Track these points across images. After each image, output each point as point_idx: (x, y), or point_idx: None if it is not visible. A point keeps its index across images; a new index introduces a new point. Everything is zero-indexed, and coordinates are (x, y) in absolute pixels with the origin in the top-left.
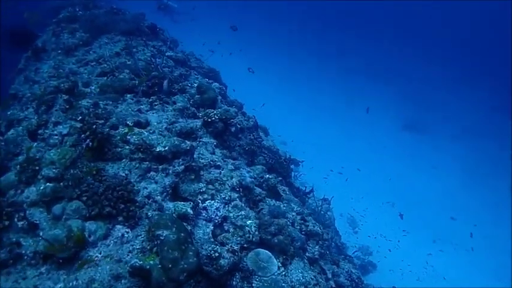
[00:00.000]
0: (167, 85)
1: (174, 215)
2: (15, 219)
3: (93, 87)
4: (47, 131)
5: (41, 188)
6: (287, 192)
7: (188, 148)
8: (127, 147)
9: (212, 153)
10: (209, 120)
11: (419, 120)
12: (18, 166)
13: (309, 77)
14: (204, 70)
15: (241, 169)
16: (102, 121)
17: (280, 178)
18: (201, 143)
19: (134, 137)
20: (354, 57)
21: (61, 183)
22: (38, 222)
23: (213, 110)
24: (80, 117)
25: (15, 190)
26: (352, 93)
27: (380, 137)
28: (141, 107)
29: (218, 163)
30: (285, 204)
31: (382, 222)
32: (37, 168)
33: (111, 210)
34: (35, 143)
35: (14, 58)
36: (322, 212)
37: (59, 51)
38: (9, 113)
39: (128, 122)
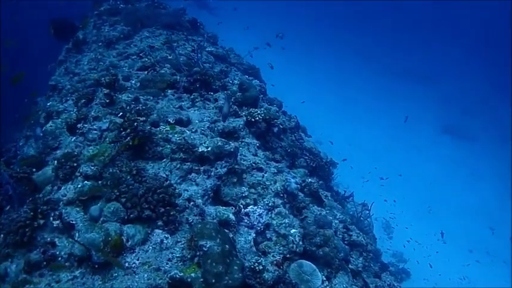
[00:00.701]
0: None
1: (215, 220)
2: (51, 218)
3: (133, 82)
4: (86, 125)
5: (79, 186)
6: (329, 198)
7: (232, 150)
8: (168, 146)
9: (254, 155)
10: (252, 120)
11: (460, 124)
12: (55, 161)
13: (350, 75)
14: (244, 67)
15: (284, 172)
16: (143, 118)
17: (321, 182)
18: (243, 143)
19: (176, 135)
20: (394, 57)
21: (99, 182)
22: (74, 222)
23: (256, 110)
24: (121, 113)
25: (52, 186)
26: (392, 94)
27: (418, 140)
28: (182, 103)
29: (261, 165)
30: (327, 211)
31: (417, 228)
32: (75, 164)
33: (150, 214)
34: (74, 137)
35: (54, 49)
36: (361, 218)
37: (100, 44)
38: (48, 104)
39: (169, 119)
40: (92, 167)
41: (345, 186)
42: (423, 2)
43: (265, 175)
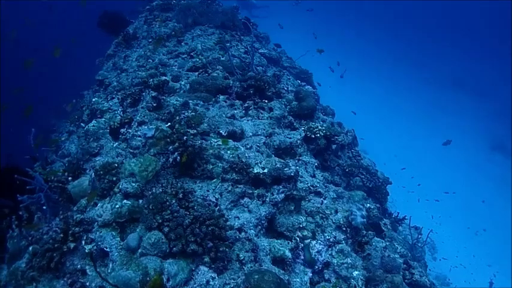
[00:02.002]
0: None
1: (269, 257)
2: (83, 242)
3: (182, 83)
4: (130, 130)
5: (117, 206)
6: (388, 226)
7: (292, 174)
8: (220, 164)
9: (312, 176)
10: (312, 136)
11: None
12: (94, 172)
13: (396, 84)
14: (296, 71)
15: (344, 198)
16: (194, 131)
17: (378, 205)
18: (300, 161)
19: (229, 152)
20: (441, 66)
21: (139, 201)
22: (108, 250)
23: (317, 125)
24: (169, 124)
25: (88, 201)
26: (438, 105)
27: (465, 156)
28: (235, 111)
29: (319, 189)
30: (387, 243)
31: (463, 250)
32: (114, 179)
33: (196, 248)
34: (116, 143)
35: (103, 43)
36: (416, 245)
37: (150, 40)
38: (93, 100)
39: (221, 131)
40: (133, 184)
41: (390, 200)
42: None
43: (325, 202)
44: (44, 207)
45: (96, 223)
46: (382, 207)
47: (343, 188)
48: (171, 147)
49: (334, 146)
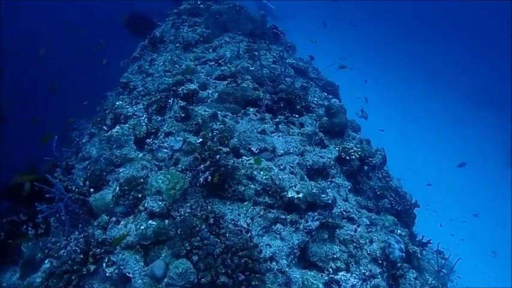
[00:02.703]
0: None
1: None
2: (104, 264)
3: (210, 91)
4: (156, 141)
5: (142, 227)
6: (418, 255)
7: (329, 202)
8: (252, 186)
9: (345, 200)
10: (347, 158)
11: None
12: (117, 188)
13: (416, 96)
14: (323, 82)
15: (377, 226)
16: (227, 149)
17: (406, 230)
18: (332, 184)
19: (262, 173)
20: (462, 78)
21: (166, 221)
22: (131, 275)
23: (352, 146)
24: (201, 140)
25: (110, 216)
26: (456, 119)
27: (485, 172)
28: (265, 126)
29: (352, 215)
30: (417, 273)
31: (481, 273)
32: (139, 195)
33: (227, 281)
34: (141, 153)
35: (129, 45)
36: (441, 273)
37: (177, 45)
38: (117, 104)
39: (252, 148)
40: (159, 202)
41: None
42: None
43: (358, 229)
44: (63, 218)
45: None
46: (410, 232)
47: (375, 212)
48: (202, 166)
49: (366, 168)
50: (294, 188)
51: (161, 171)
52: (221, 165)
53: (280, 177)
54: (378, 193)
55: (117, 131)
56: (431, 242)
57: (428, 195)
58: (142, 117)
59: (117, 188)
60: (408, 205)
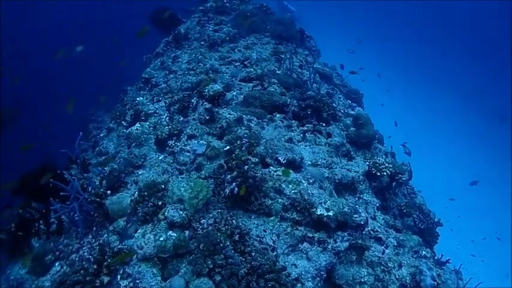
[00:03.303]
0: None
1: None
2: (118, 276)
3: (234, 93)
4: (178, 143)
5: (161, 238)
6: (442, 279)
7: (362, 223)
8: (280, 200)
9: (373, 218)
10: (377, 174)
11: None
12: (137, 192)
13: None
14: (346, 89)
15: (405, 247)
16: (256, 159)
17: (429, 250)
18: (360, 200)
19: (290, 186)
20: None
21: (186, 232)
22: None
23: (383, 162)
24: (228, 147)
25: (126, 222)
26: (481, 137)
27: (500, 194)
28: (292, 134)
29: (380, 235)
30: None
31: None
32: (160, 203)
33: None
34: (161, 156)
35: (155, 40)
36: None
37: (202, 43)
38: (137, 100)
39: (279, 157)
40: (181, 212)
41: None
42: None
43: (386, 251)
44: (77, 219)
45: (135, 255)
46: (432, 252)
47: (406, 236)
48: (228, 176)
49: (394, 184)
50: (323, 204)
51: (183, 178)
52: (249, 176)
53: (309, 192)
54: (404, 211)
55: (137, 129)
56: (450, 261)
57: (444, 210)
58: (164, 116)
59: (136, 192)
60: (431, 223)
